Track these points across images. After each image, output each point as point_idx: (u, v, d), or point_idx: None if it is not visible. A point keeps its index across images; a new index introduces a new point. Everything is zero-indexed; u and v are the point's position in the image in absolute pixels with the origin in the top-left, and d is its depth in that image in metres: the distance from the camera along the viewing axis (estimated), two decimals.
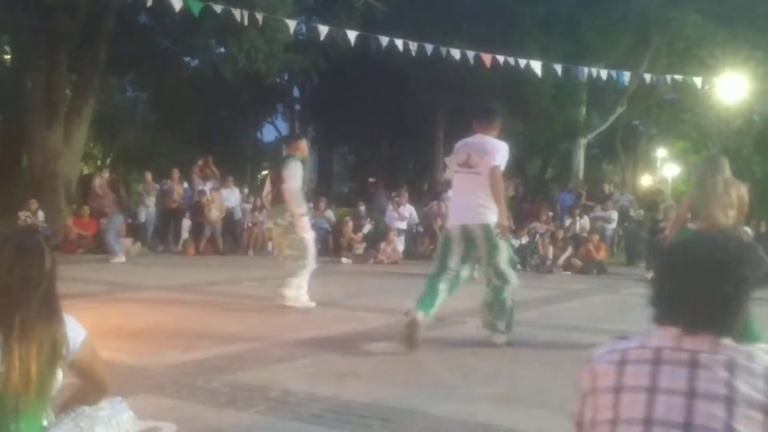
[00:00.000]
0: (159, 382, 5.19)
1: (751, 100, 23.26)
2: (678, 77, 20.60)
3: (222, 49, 19.99)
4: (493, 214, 6.66)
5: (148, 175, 18.44)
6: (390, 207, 18.61)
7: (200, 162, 18.76)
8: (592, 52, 22.75)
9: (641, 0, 20.88)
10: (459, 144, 7.15)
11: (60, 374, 2.60)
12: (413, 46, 16.63)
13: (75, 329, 2.66)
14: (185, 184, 18.54)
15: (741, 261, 1.78)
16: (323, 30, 15.45)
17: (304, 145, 9.34)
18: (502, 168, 6.70)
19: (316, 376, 5.53)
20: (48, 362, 2.49)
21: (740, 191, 6.57)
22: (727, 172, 6.64)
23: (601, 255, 15.68)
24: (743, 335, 1.77)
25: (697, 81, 19.40)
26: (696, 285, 1.75)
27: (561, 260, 15.59)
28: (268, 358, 6.09)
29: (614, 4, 21.77)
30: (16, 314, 2.42)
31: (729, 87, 20.76)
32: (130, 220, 17.38)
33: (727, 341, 1.72)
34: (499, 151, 6.70)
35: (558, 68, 17.36)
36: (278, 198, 8.68)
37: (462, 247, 6.85)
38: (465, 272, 7.01)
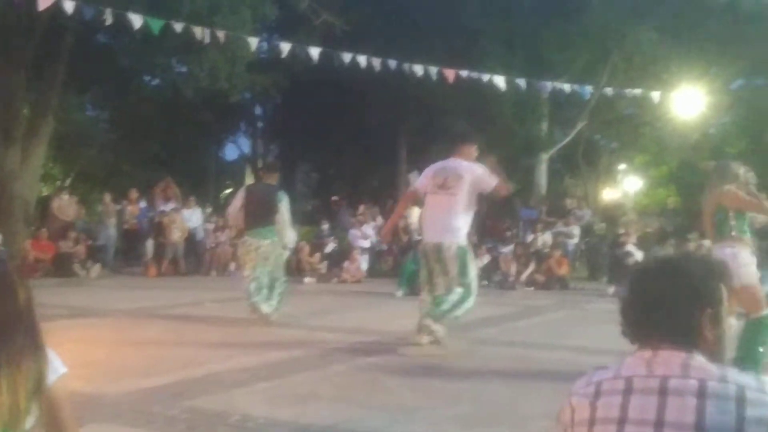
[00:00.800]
0: (116, 409, 5.10)
1: (708, 113, 23.65)
2: (636, 91, 20.93)
3: (183, 68, 19.85)
4: (464, 235, 7.11)
5: (107, 197, 18.20)
6: (353, 225, 18.57)
7: (161, 183, 18.58)
8: (552, 67, 22.99)
9: (600, 17, 21.15)
10: (437, 166, 7.40)
11: (35, 410, 2.52)
12: (376, 62, 16.69)
13: (54, 364, 2.59)
14: (143, 204, 18.34)
15: (706, 282, 1.79)
16: (285, 47, 15.42)
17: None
18: (493, 184, 7.08)
19: (277, 400, 5.48)
20: (31, 396, 2.42)
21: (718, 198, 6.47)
22: (729, 179, 6.48)
23: (563, 270, 15.77)
24: (746, 360, 1.80)
25: (655, 96, 19.70)
26: (664, 305, 1.76)
27: (524, 276, 15.65)
28: (228, 382, 6.01)
29: (574, 20, 22.03)
30: (1, 352, 2.35)
31: (686, 101, 21.09)
32: (90, 242, 17.14)
33: (699, 361, 1.71)
34: (476, 174, 7.13)
35: (522, 82, 17.48)
36: (266, 220, 9.19)
37: (431, 262, 7.24)
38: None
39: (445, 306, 7.22)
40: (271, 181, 9.84)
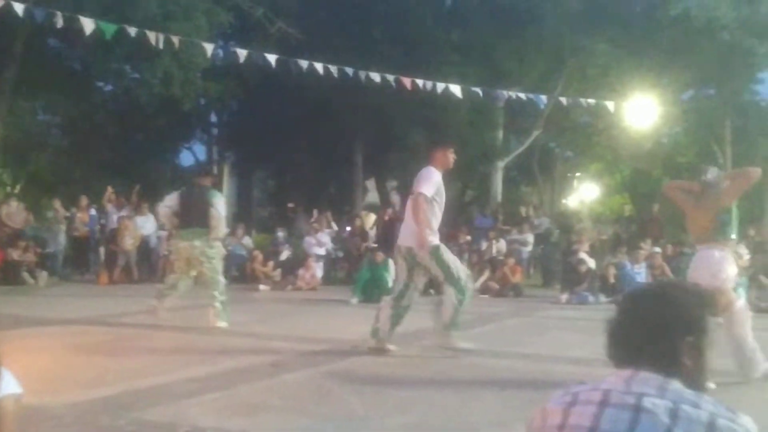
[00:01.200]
0: (62, 421, 4.99)
1: (660, 123, 24.09)
2: (590, 101, 21.25)
3: (137, 75, 19.64)
4: (431, 237, 7.26)
5: (57, 203, 17.90)
6: (309, 233, 18.50)
7: (110, 189, 18.30)
8: (508, 76, 23.24)
9: (554, 28, 21.44)
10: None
11: None
12: (333, 69, 16.72)
13: (5, 381, 2.52)
14: (92, 212, 18.07)
15: (691, 310, 1.85)
16: (242, 54, 15.34)
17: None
18: (427, 193, 7.16)
19: (227, 410, 5.41)
20: None
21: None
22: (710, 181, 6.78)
23: (517, 278, 15.88)
24: None
25: (609, 105, 20.03)
26: (647, 330, 1.82)
27: (478, 284, 15.70)
28: (178, 393, 5.93)
29: (528, 31, 22.30)
30: None
31: (638, 111, 21.46)
32: (39, 250, 16.83)
33: (675, 386, 1.75)
34: (420, 179, 7.29)
35: (478, 91, 17.65)
36: (198, 221, 9.39)
37: (404, 266, 7.57)
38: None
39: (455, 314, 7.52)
40: (205, 184, 10.10)
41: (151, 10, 16.35)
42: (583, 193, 36.30)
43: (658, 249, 16.14)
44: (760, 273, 13.66)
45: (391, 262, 14.77)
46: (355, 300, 13.46)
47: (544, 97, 21.23)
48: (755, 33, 18.94)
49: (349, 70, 16.81)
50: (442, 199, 7.45)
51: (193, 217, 9.49)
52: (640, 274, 15.06)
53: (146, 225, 18.15)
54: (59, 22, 13.37)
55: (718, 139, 22.40)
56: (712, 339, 1.87)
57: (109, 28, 14.35)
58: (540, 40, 22.33)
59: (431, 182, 7.28)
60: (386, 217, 20.32)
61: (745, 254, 14.97)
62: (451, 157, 7.63)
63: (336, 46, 18.95)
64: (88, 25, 13.78)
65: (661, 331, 1.81)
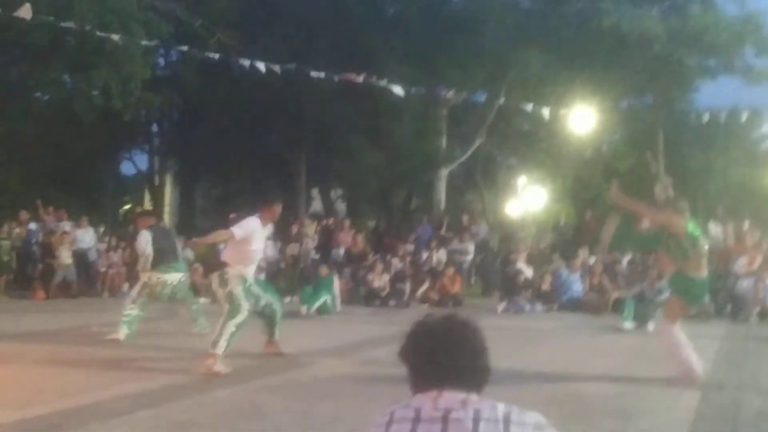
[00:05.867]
0: None
1: (600, 130, 24.57)
2: (530, 108, 21.62)
3: (75, 85, 19.36)
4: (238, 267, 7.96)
5: None
6: None
7: (39, 202, 17.99)
8: (450, 85, 23.52)
9: (492, 39, 21.77)
10: None
11: None
12: (276, 68, 16.83)
13: None
14: (32, 226, 17.76)
15: (475, 335, 2.20)
16: (181, 52, 15.30)
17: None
18: (236, 234, 7.86)
19: (156, 429, 5.46)
20: None
21: None
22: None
23: (456, 287, 15.99)
24: None
25: (545, 112, 20.43)
26: (468, 354, 2.15)
27: (418, 294, 15.86)
28: (108, 411, 5.94)
29: (468, 42, 22.58)
30: None
31: (578, 119, 21.87)
32: None
33: (475, 398, 2.08)
34: (239, 223, 8.04)
35: (420, 90, 17.95)
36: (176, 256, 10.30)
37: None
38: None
39: None
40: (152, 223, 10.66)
41: (88, 19, 16.16)
42: (527, 201, 36.68)
43: (593, 258, 16.34)
44: None
45: (335, 277, 14.90)
46: (304, 309, 13.49)
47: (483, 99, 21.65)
48: (685, 44, 19.53)
49: (291, 67, 16.98)
50: (259, 246, 8.19)
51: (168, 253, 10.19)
52: (576, 281, 15.35)
53: (85, 238, 17.87)
54: None
55: (652, 148, 22.98)
56: None
57: (44, 35, 14.21)
58: (481, 51, 22.64)
59: (246, 228, 7.91)
60: (327, 224, 20.41)
61: None
62: (277, 211, 8.27)
63: (276, 54, 18.97)
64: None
65: (481, 353, 2.16)
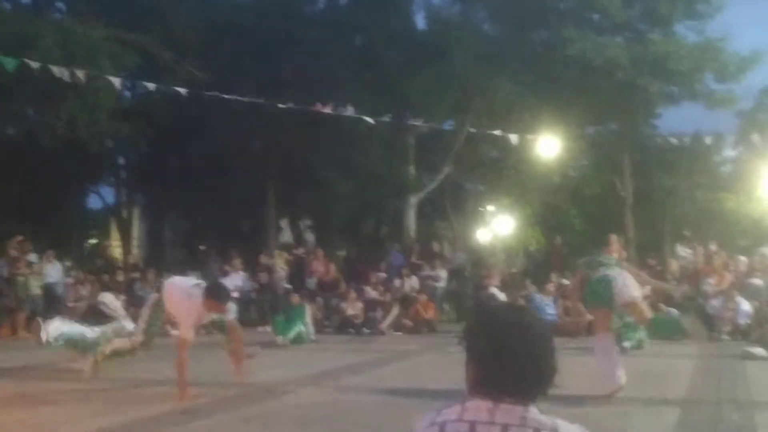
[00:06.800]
0: None
1: (567, 156, 24.83)
2: (497, 135, 21.78)
3: (40, 117, 19.12)
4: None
5: None
6: (222, 275, 18.25)
7: (18, 238, 17.63)
8: (417, 113, 23.67)
9: (459, 67, 21.96)
10: None
11: None
12: (244, 99, 16.89)
13: None
14: None
15: (547, 333, 1.90)
16: (150, 87, 15.24)
17: None
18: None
19: None
20: None
21: None
22: None
23: (430, 314, 16.00)
24: None
25: (513, 138, 20.61)
26: (511, 358, 1.82)
27: (387, 322, 15.73)
28: None
29: (435, 70, 22.76)
30: None
31: (545, 145, 22.10)
32: None
33: (534, 413, 1.82)
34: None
35: (387, 120, 18.12)
36: None
37: None
38: None
39: None
40: None
41: (53, 53, 16.00)
42: (496, 227, 36.89)
43: (566, 281, 16.43)
44: (660, 301, 14.20)
45: (306, 305, 14.80)
46: (280, 338, 13.34)
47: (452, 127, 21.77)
48: (648, 72, 19.87)
49: (260, 101, 17.07)
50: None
51: None
52: (550, 305, 15.41)
53: (52, 272, 17.57)
54: None
55: (619, 173, 23.26)
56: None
57: (10, 63, 14.04)
58: (448, 79, 22.83)
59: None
60: (298, 254, 20.34)
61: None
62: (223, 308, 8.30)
63: (245, 86, 18.95)
64: None
65: (548, 366, 1.84)
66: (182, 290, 8.05)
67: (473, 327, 1.95)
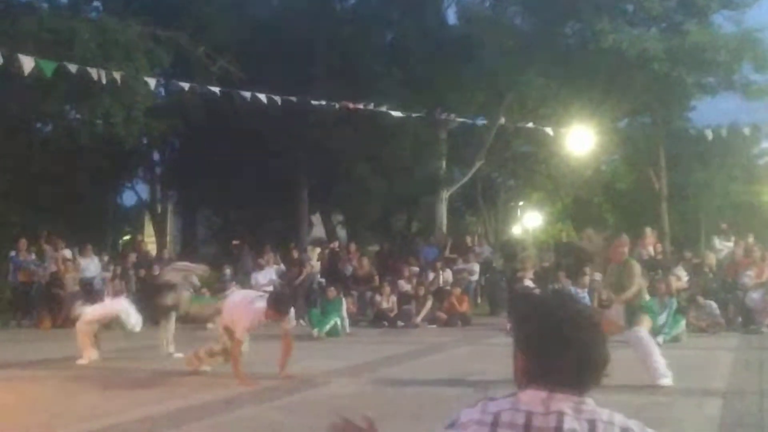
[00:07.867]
0: None
1: (598, 151, 24.67)
2: (529, 129, 21.68)
3: (77, 115, 19.42)
4: None
5: None
6: (255, 269, 18.42)
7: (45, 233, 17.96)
8: (448, 108, 23.64)
9: (491, 62, 21.86)
10: None
11: None
12: (277, 99, 16.98)
13: None
14: (33, 255, 17.72)
15: (597, 321, 1.86)
16: (185, 86, 15.40)
17: None
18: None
19: None
20: None
21: None
22: None
23: (464, 307, 16.06)
24: None
25: (548, 130, 20.49)
26: (566, 348, 1.77)
27: (421, 315, 15.76)
28: None
29: (467, 65, 22.71)
30: None
31: (577, 139, 21.96)
32: None
33: (590, 404, 1.78)
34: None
35: (421, 116, 18.11)
36: None
37: None
38: None
39: None
40: None
41: (90, 50, 16.25)
42: (527, 222, 36.79)
43: (598, 275, 16.33)
44: (697, 294, 14.08)
45: (343, 299, 14.92)
46: (315, 331, 13.44)
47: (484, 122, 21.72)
48: (684, 63, 19.59)
49: (292, 99, 17.13)
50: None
51: None
52: (585, 298, 15.35)
53: (90, 267, 17.85)
54: None
55: (654, 166, 23.00)
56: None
57: (49, 66, 14.27)
58: (479, 73, 22.76)
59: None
60: (332, 248, 20.45)
61: (684, 276, 15.46)
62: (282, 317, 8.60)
63: (277, 82, 19.04)
64: (27, 63, 13.70)
65: (581, 348, 1.78)
66: (246, 299, 8.51)
67: (523, 316, 1.89)
